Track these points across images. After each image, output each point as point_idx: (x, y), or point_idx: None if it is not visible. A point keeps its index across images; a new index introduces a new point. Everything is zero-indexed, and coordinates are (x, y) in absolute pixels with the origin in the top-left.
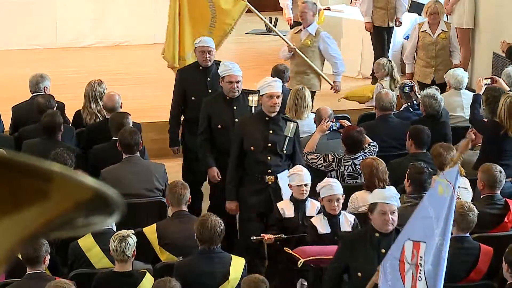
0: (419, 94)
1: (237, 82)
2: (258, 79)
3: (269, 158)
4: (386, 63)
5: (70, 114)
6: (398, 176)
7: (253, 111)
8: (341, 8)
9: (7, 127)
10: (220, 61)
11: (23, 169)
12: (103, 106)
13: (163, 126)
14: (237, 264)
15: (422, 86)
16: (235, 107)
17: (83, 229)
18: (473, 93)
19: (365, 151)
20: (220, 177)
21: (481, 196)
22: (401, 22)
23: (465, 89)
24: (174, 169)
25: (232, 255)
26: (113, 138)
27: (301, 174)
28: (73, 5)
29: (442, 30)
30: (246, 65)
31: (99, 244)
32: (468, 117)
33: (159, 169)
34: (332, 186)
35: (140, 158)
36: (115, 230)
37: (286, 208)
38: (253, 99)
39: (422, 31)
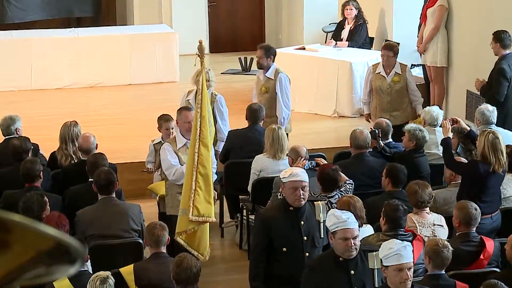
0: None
1: (354, 238)
2: (233, 118)
3: None
4: None
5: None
6: (374, 214)
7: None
8: (316, 48)
9: None
10: (312, 199)
11: None
12: (78, 148)
13: (138, 167)
14: None
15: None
16: (352, 271)
17: (45, 278)
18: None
19: (341, 189)
20: None
21: (457, 234)
22: None
23: (440, 126)
24: (149, 209)
25: None
26: (90, 179)
27: None
28: (48, 47)
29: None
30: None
31: (75, 286)
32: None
33: (135, 210)
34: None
35: (115, 199)
36: (91, 272)
37: None
38: (375, 261)
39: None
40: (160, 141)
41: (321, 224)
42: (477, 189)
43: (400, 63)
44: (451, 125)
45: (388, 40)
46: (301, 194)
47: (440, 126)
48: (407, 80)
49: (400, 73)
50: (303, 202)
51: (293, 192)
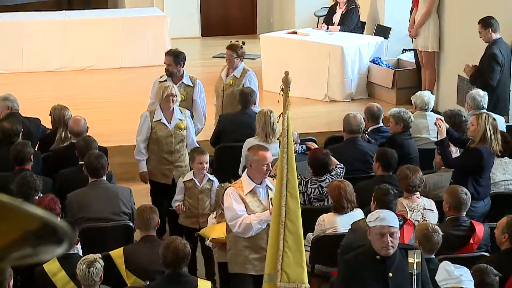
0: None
1: None
2: None
3: None
4: None
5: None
6: (365, 198)
7: None
8: (308, 32)
9: None
10: (406, 247)
11: None
12: (69, 130)
13: (129, 150)
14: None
15: None
16: None
17: (32, 259)
18: (436, 140)
19: (332, 173)
20: None
21: (447, 218)
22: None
23: (431, 111)
24: (140, 193)
25: (198, 278)
26: (80, 162)
27: None
28: (39, 30)
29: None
30: (213, 88)
31: (64, 268)
32: (433, 139)
33: (125, 193)
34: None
35: (106, 182)
36: (82, 255)
37: None
38: None
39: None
40: (192, 178)
41: (414, 277)
42: (477, 174)
43: (244, 67)
44: (434, 125)
45: (380, 25)
46: (390, 241)
47: (432, 111)
48: (244, 85)
49: (238, 77)
50: (391, 251)
51: (380, 238)
